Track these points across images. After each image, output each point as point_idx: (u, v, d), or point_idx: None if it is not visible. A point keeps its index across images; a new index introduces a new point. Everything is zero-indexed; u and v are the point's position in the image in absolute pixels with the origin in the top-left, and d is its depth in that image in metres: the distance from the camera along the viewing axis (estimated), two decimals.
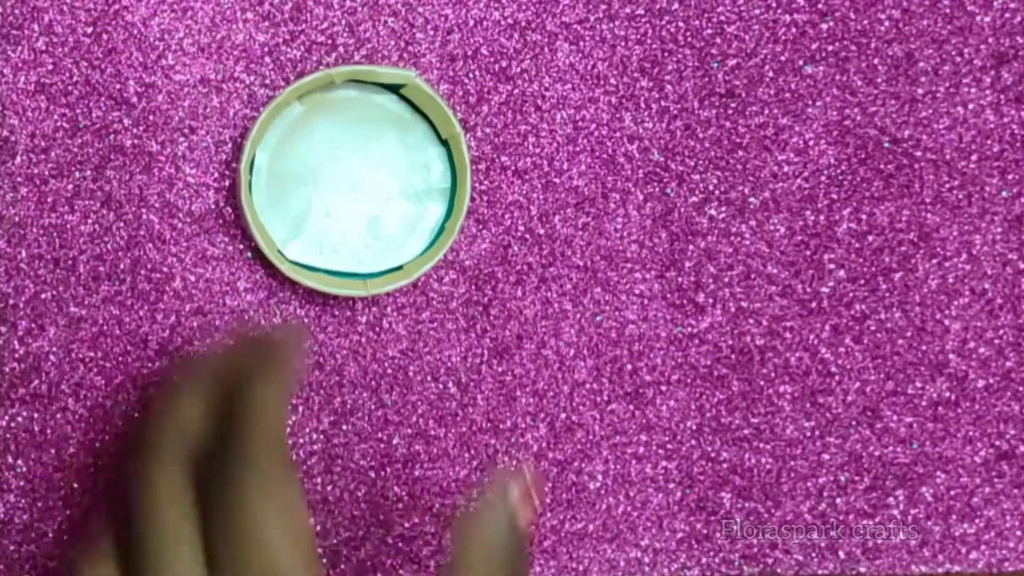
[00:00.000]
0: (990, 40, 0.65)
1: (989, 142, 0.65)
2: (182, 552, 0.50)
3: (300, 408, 0.61)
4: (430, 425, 0.62)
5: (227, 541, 0.48)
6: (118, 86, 0.60)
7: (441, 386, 0.62)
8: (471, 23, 0.62)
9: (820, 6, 0.63)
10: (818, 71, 0.63)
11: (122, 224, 0.60)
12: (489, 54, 0.62)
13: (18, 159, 0.60)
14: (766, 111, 0.63)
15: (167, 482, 0.51)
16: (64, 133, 0.60)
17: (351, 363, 0.62)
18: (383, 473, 0.62)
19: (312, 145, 0.60)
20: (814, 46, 0.63)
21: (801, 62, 0.63)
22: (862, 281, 0.64)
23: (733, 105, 0.63)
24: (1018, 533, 0.65)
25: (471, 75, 0.62)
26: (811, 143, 0.64)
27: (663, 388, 0.63)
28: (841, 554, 0.64)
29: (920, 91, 0.64)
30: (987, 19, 0.64)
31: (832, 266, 0.64)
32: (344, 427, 0.62)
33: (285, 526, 0.47)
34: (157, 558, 0.50)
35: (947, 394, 0.65)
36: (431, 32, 0.61)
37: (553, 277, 0.63)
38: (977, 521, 0.65)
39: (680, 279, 0.63)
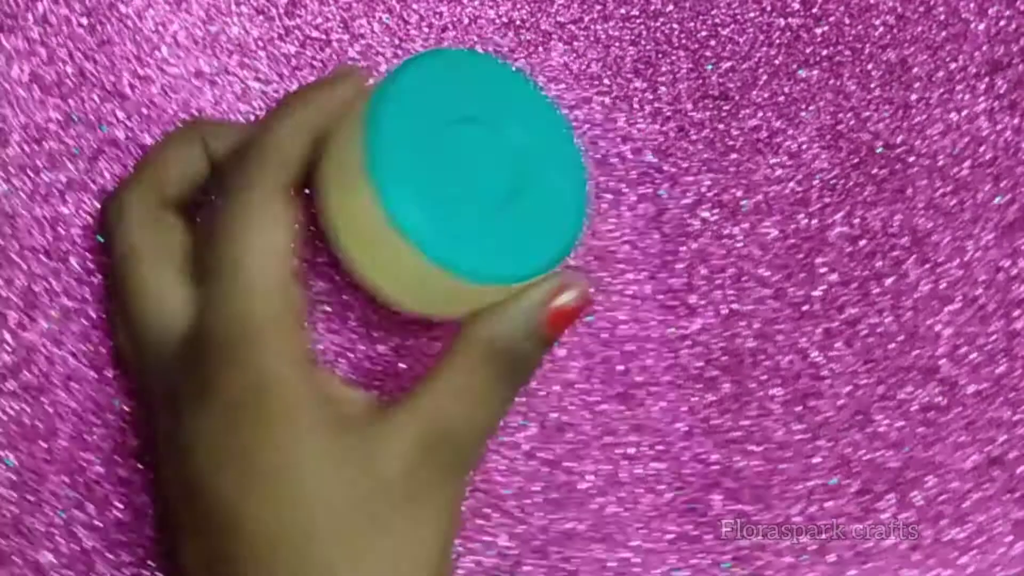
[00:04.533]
0: (984, 47, 0.65)
1: (982, 149, 0.65)
2: (164, 275, 0.48)
3: None
4: None
5: (207, 262, 0.46)
6: (112, 78, 0.60)
7: None
8: (465, 21, 0.62)
9: (815, 10, 0.64)
10: (812, 75, 0.64)
11: None
12: (483, 52, 0.62)
13: (11, 150, 0.60)
14: (760, 114, 0.63)
15: (143, 207, 0.49)
16: (57, 124, 0.60)
17: (345, 363, 0.62)
18: None
19: None
20: (808, 50, 0.64)
21: (795, 66, 0.64)
22: (854, 285, 0.64)
23: (727, 108, 0.63)
24: (1008, 538, 0.65)
25: None
26: (804, 147, 0.64)
27: (654, 389, 0.63)
28: (831, 558, 0.64)
29: (914, 97, 0.64)
30: (981, 26, 0.65)
31: (824, 270, 0.64)
32: None
33: (266, 246, 0.44)
34: (140, 283, 0.48)
35: (938, 399, 0.64)
36: (425, 29, 0.62)
37: None
38: (967, 526, 0.65)
39: (672, 281, 0.63)
